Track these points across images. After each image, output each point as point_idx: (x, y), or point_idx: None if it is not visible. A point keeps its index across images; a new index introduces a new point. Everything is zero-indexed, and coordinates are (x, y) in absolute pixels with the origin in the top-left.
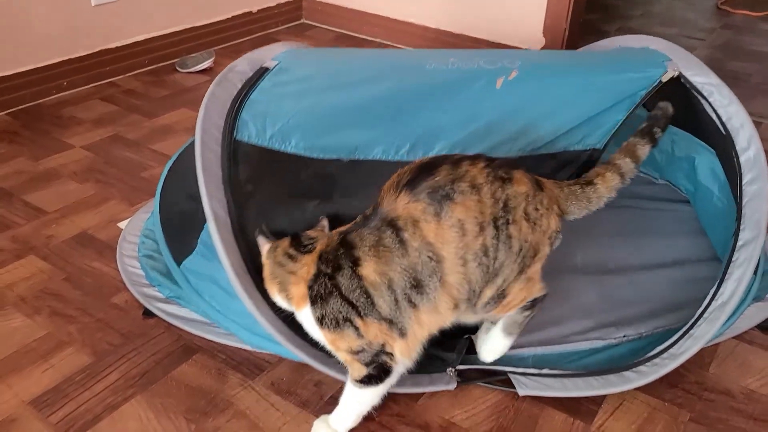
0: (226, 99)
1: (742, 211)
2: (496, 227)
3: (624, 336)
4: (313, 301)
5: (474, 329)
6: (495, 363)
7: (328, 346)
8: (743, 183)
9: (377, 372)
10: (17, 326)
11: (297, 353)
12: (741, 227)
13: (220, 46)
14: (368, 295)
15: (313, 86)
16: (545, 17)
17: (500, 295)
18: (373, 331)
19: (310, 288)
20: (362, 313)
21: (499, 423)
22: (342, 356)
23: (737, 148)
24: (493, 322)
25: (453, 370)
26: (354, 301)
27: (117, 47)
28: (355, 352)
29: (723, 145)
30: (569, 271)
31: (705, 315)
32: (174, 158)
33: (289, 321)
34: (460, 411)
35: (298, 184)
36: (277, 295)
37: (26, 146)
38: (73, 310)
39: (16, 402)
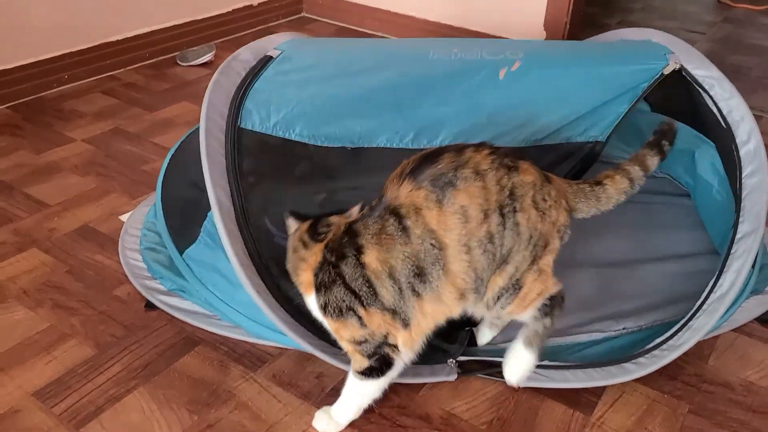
0: (230, 87)
1: (742, 204)
2: (502, 214)
3: (623, 328)
4: (318, 289)
5: (476, 321)
6: (495, 354)
7: (333, 335)
8: (743, 176)
9: (379, 364)
10: (20, 319)
11: (300, 342)
12: (740, 219)
13: (221, 40)
14: (370, 285)
15: (317, 75)
16: (546, 11)
17: (515, 286)
18: (377, 321)
19: (316, 276)
20: (365, 303)
21: (499, 414)
22: (345, 346)
23: (737, 141)
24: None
25: (454, 361)
26: (357, 290)
27: (118, 40)
28: (358, 343)
29: (723, 138)
30: (569, 264)
31: (704, 307)
32: (175, 147)
33: (293, 311)
34: (461, 402)
35: (302, 171)
36: (293, 280)
37: (27, 139)
38: (75, 302)
39: (19, 393)
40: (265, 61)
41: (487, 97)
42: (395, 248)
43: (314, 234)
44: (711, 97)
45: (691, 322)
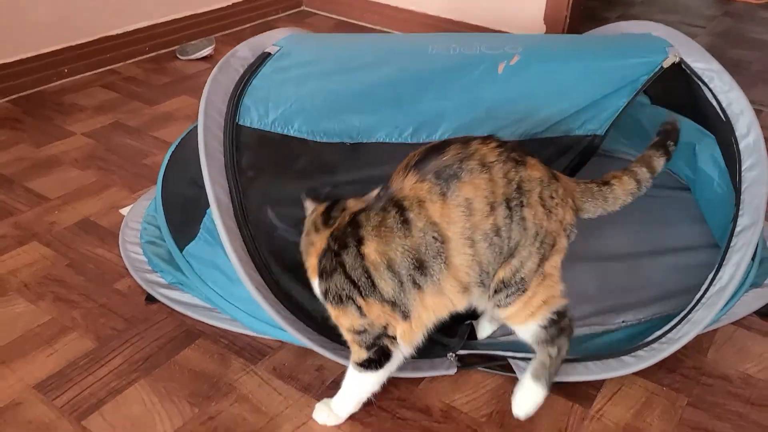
0: (228, 84)
1: (741, 197)
2: (509, 207)
3: (623, 322)
4: (320, 275)
5: (476, 315)
6: (495, 348)
7: (334, 321)
8: (742, 169)
9: (377, 356)
10: (21, 312)
11: (299, 338)
12: (740, 213)
13: (221, 33)
14: (369, 276)
15: (315, 71)
16: (546, 5)
17: (519, 285)
18: (376, 312)
19: (319, 262)
20: (363, 293)
21: (499, 407)
22: (345, 335)
23: (737, 134)
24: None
25: (454, 355)
26: (356, 280)
27: (118, 34)
28: (357, 332)
29: (723, 130)
30: (569, 257)
31: (703, 300)
32: (176, 144)
33: (293, 307)
34: (461, 395)
35: (301, 168)
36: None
37: (27, 133)
38: (76, 295)
39: (20, 386)
40: (263, 57)
41: (486, 91)
42: (394, 241)
43: (327, 219)
44: (710, 89)
45: (690, 315)
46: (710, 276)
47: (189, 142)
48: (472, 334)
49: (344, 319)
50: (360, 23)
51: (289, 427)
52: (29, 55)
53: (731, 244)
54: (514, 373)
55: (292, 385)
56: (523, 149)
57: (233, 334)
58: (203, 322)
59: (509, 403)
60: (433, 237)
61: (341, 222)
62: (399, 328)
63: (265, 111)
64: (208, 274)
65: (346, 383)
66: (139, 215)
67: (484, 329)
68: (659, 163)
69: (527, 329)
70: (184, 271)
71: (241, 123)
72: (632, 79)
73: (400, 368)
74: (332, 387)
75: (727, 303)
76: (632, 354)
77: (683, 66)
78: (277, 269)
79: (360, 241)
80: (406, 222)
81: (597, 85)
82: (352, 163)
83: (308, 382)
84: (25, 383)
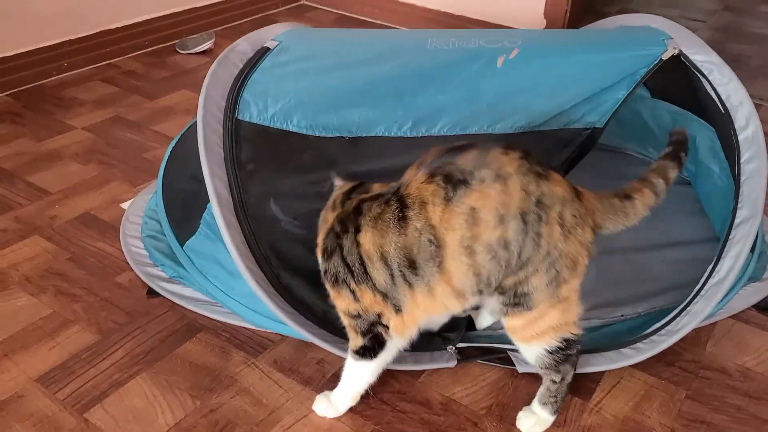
0: (228, 79)
1: (740, 189)
2: (525, 222)
3: (622, 315)
4: (322, 254)
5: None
6: (494, 341)
7: (332, 302)
8: (742, 161)
9: (372, 344)
10: (23, 305)
11: (299, 331)
12: (739, 205)
13: (220, 28)
14: (363, 264)
15: (314, 66)
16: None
17: (521, 299)
18: (368, 299)
19: (324, 241)
20: (356, 279)
21: (498, 400)
22: (342, 320)
23: (736, 126)
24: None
25: (453, 348)
26: (350, 265)
27: (117, 28)
28: (352, 317)
29: (722, 123)
30: None
31: (702, 292)
32: (176, 139)
33: (293, 301)
34: (461, 388)
35: (300, 162)
36: None
37: (28, 127)
38: (77, 289)
39: (23, 379)
40: (263, 52)
41: (486, 85)
42: (389, 235)
43: (345, 199)
44: (710, 82)
45: (689, 307)
46: (709, 268)
47: (189, 138)
48: (471, 325)
49: (340, 302)
50: (360, 17)
51: (289, 420)
52: (29, 48)
53: (730, 236)
54: (514, 365)
55: (292, 378)
56: (546, 162)
57: (234, 328)
58: (204, 316)
59: (509, 396)
60: (429, 240)
61: (349, 206)
62: (392, 321)
63: (265, 106)
64: (208, 268)
65: (344, 374)
66: (140, 209)
67: (484, 320)
68: (673, 174)
69: (532, 350)
70: (185, 265)
71: (240, 118)
72: (631, 72)
73: (400, 361)
74: (332, 380)
75: (725, 295)
76: (632, 346)
77: (682, 58)
78: (277, 263)
79: (357, 229)
80: (403, 219)
81: (596, 78)
82: (352, 157)
83: (309, 375)
84: (28, 376)
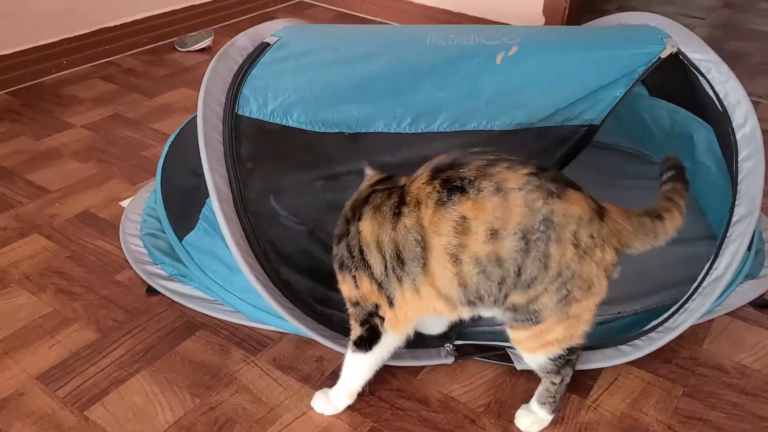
0: (227, 74)
1: (738, 187)
2: (526, 240)
3: (619, 312)
4: (334, 239)
5: None
6: (492, 338)
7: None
8: (739, 159)
9: (368, 335)
10: (23, 303)
11: (298, 327)
12: (736, 203)
13: (219, 25)
14: (362, 251)
15: (314, 61)
16: None
17: (532, 315)
18: (366, 287)
19: (337, 227)
20: (356, 266)
21: (496, 397)
22: (347, 306)
23: (734, 124)
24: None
25: (451, 345)
26: (351, 250)
27: (116, 26)
28: (353, 303)
29: (720, 121)
30: None
31: (699, 290)
32: (175, 134)
33: (292, 296)
34: (459, 386)
35: (300, 158)
36: None
37: (27, 125)
38: (77, 287)
39: (24, 377)
40: (262, 47)
41: (485, 81)
42: (383, 227)
43: (372, 190)
44: (708, 80)
45: (686, 305)
46: (707, 266)
47: (188, 133)
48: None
49: (344, 287)
50: (360, 14)
51: (289, 417)
52: (28, 46)
53: (727, 234)
54: (512, 362)
55: (291, 375)
56: (569, 183)
57: (234, 326)
58: (204, 314)
59: (507, 393)
60: (416, 239)
61: (363, 194)
62: (387, 314)
63: (264, 101)
64: (207, 263)
65: (342, 369)
66: (139, 207)
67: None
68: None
69: (535, 358)
70: (183, 260)
71: (240, 113)
72: (630, 70)
73: (398, 357)
74: (332, 377)
75: (723, 292)
76: (629, 343)
77: (681, 57)
78: (277, 258)
79: (360, 217)
80: (397, 215)
81: (594, 75)
82: (351, 153)
83: (308, 373)
84: (28, 374)
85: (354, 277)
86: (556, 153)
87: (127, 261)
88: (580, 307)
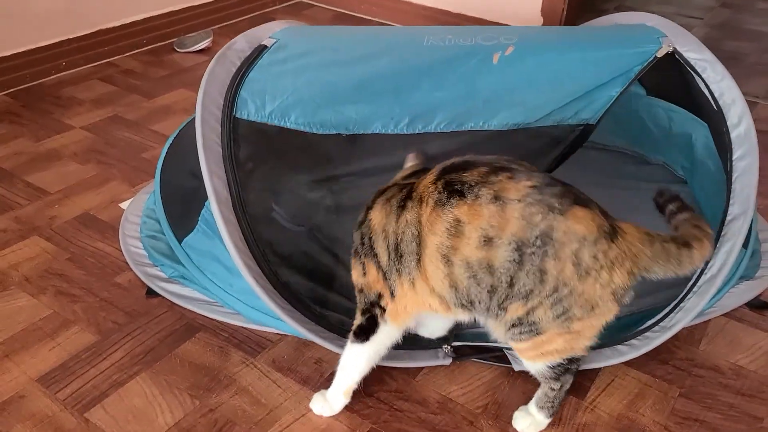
0: (225, 77)
1: (732, 186)
2: (521, 252)
3: None
4: (354, 225)
5: None
6: (489, 340)
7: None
8: (733, 158)
9: (368, 324)
10: (23, 305)
11: (297, 328)
12: (731, 202)
13: (218, 26)
14: (371, 240)
15: (312, 63)
16: None
17: (532, 327)
18: (372, 275)
19: (359, 214)
20: (365, 253)
21: (494, 398)
22: (355, 294)
23: (728, 123)
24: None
25: (448, 347)
26: (363, 238)
27: (115, 27)
28: (359, 290)
29: (715, 120)
30: None
31: (695, 289)
32: (173, 136)
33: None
34: (457, 387)
35: (299, 159)
36: None
37: (27, 127)
38: (77, 289)
39: (24, 379)
40: (260, 50)
41: (482, 81)
42: (389, 218)
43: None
44: (703, 79)
45: (682, 304)
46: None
47: (187, 134)
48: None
49: (354, 272)
50: (358, 15)
51: (288, 419)
52: (27, 48)
53: (722, 233)
54: (510, 363)
55: (291, 377)
56: (580, 200)
57: (233, 328)
58: (203, 316)
59: (504, 395)
60: (413, 234)
61: (386, 185)
62: (389, 304)
63: (262, 103)
64: (206, 265)
65: (339, 364)
66: (139, 209)
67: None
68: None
69: (534, 366)
70: (183, 262)
71: (238, 116)
72: (626, 69)
73: (396, 357)
74: (330, 379)
75: (718, 291)
76: (626, 343)
77: (677, 56)
78: (276, 260)
79: (372, 206)
80: (402, 208)
81: (591, 75)
82: (349, 154)
83: (307, 375)
84: (28, 376)
85: (363, 264)
86: (551, 153)
87: (126, 263)
88: (582, 325)
